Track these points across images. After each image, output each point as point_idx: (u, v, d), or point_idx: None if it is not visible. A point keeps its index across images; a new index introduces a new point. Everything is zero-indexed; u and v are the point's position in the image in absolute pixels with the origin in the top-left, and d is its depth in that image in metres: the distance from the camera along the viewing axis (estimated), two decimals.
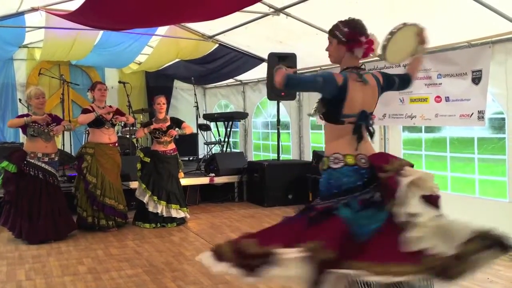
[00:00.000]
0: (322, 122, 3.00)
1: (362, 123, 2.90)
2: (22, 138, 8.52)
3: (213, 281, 4.27)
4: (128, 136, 8.46)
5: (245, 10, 6.25)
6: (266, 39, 7.48)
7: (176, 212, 6.48)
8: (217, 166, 8.13)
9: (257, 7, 6.03)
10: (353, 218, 2.68)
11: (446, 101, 5.81)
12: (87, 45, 8.34)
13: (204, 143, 10.04)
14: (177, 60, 9.43)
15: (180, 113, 10.37)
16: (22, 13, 6.78)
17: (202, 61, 9.09)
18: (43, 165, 5.68)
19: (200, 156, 9.85)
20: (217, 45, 8.37)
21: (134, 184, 6.99)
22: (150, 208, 6.37)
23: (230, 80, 10.58)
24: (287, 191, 7.87)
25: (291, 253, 2.49)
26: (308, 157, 8.47)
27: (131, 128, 8.28)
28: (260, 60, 8.54)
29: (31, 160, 5.63)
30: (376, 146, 7.12)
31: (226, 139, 9.47)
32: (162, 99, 6.58)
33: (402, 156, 6.80)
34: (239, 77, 10.15)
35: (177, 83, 11.63)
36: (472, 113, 5.47)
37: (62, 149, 8.39)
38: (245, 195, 8.37)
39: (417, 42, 3.30)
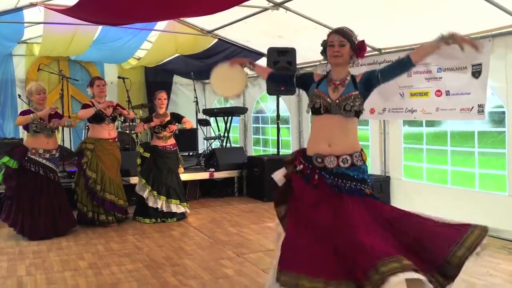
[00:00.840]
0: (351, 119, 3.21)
1: None
2: (22, 133, 8.54)
3: (213, 275, 4.28)
4: (127, 131, 8.46)
5: (244, 5, 6.22)
6: (265, 33, 7.47)
7: (176, 207, 6.49)
8: (217, 161, 8.13)
9: (256, 1, 6.02)
10: None
11: (447, 95, 5.80)
12: (86, 40, 8.32)
13: (204, 138, 10.04)
14: (176, 55, 9.41)
15: (180, 108, 10.35)
16: (21, 9, 6.77)
17: (202, 56, 9.06)
18: (43, 161, 5.68)
19: (200, 151, 9.85)
20: (216, 40, 8.35)
21: (134, 180, 6.99)
22: (150, 203, 6.38)
23: None
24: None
25: None
26: None
27: (130, 123, 8.27)
28: (259, 54, 8.52)
29: (32, 156, 5.62)
30: (376, 140, 7.15)
31: (226, 134, 9.47)
32: (163, 95, 6.58)
33: (402, 150, 6.81)
34: None
35: (177, 78, 11.61)
36: (472, 107, 5.47)
37: (62, 144, 8.39)
38: (245, 190, 8.38)
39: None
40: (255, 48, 8.41)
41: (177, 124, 6.57)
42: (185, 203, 6.62)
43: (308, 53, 7.85)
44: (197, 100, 8.63)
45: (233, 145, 10.08)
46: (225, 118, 9.46)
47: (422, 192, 6.43)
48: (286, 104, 9.16)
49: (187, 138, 9.48)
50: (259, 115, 10.42)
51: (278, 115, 8.26)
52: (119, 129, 8.28)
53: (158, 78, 11.16)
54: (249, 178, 8.25)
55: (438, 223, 3.05)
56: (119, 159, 6.39)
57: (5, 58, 9.65)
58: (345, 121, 3.16)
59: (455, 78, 5.67)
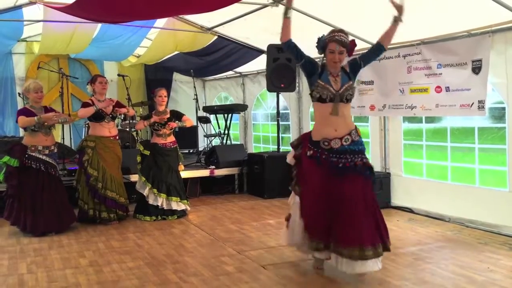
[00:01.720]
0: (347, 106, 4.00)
1: None
2: (22, 132, 8.52)
3: (213, 272, 4.29)
4: (127, 129, 8.46)
5: (244, 2, 6.23)
6: (265, 30, 7.45)
7: (177, 205, 6.50)
8: (217, 158, 8.14)
9: None
10: None
11: (447, 91, 5.80)
12: (86, 38, 8.31)
13: (204, 136, 10.04)
14: (176, 52, 9.40)
15: (180, 105, 10.35)
16: (20, 7, 6.76)
17: (201, 53, 9.06)
18: (44, 157, 5.70)
19: (200, 149, 9.85)
20: (216, 37, 8.34)
21: (134, 177, 6.99)
22: (150, 201, 6.39)
23: (230, 72, 10.55)
24: (287, 183, 7.81)
25: None
26: None
27: (130, 121, 8.27)
28: (259, 51, 8.52)
29: (32, 153, 5.64)
30: (376, 137, 7.14)
31: (226, 132, 9.47)
32: (163, 92, 6.58)
33: (402, 146, 6.81)
34: (239, 69, 10.13)
35: (177, 76, 11.61)
36: (473, 103, 5.46)
37: (62, 142, 8.39)
38: (245, 187, 8.39)
39: None
40: (255, 45, 8.40)
41: (177, 122, 6.57)
42: (185, 201, 6.62)
43: (307, 50, 7.84)
44: (197, 97, 8.62)
45: (233, 142, 10.08)
46: (225, 115, 9.46)
47: (422, 188, 6.43)
48: (286, 101, 9.16)
49: (187, 136, 9.49)
50: (259, 112, 10.43)
51: (278, 112, 8.26)
52: (119, 127, 8.27)
53: (158, 76, 11.16)
54: (250, 175, 8.25)
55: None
56: (120, 156, 6.40)
57: (4, 57, 9.65)
58: (344, 107, 3.92)
59: (455, 74, 5.66)
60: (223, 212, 6.87)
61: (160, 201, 6.39)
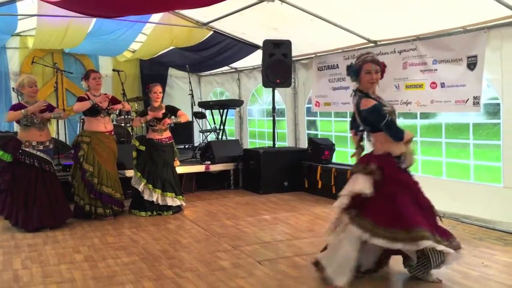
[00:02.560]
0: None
1: None
2: (17, 127, 8.47)
3: (209, 268, 4.29)
4: (123, 124, 8.43)
5: None
6: (261, 26, 7.44)
7: (172, 200, 6.48)
8: (212, 154, 8.13)
9: None
10: None
11: (442, 87, 5.81)
12: (80, 33, 8.27)
13: (200, 131, 10.02)
14: (171, 47, 9.37)
15: (175, 101, 10.33)
16: (14, 1, 6.72)
17: (197, 48, 9.03)
18: (38, 153, 5.66)
19: (196, 144, 9.84)
20: (211, 32, 8.32)
21: (129, 173, 6.97)
22: (146, 196, 6.37)
23: (225, 68, 10.54)
24: (283, 178, 7.88)
25: None
26: (304, 144, 8.47)
27: (126, 116, 8.24)
28: (255, 47, 8.50)
29: (25, 149, 5.61)
30: None
31: (222, 127, 9.46)
32: (158, 88, 6.54)
33: None
34: (234, 65, 10.11)
35: (172, 71, 11.58)
36: (468, 99, 5.48)
37: (56, 137, 8.36)
38: (241, 183, 8.38)
39: None
40: (251, 40, 8.39)
41: (172, 117, 6.55)
42: (180, 196, 6.61)
43: (304, 45, 7.84)
44: (192, 93, 8.60)
45: (228, 137, 10.07)
46: (221, 110, 9.44)
47: None
48: (282, 97, 9.15)
49: (182, 131, 9.47)
50: (255, 107, 10.41)
51: (273, 108, 8.25)
52: (114, 122, 8.24)
53: (153, 71, 11.12)
54: (245, 171, 8.25)
55: None
56: (115, 152, 6.37)
57: None
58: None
59: (450, 70, 5.68)
60: (218, 208, 6.86)
61: (155, 196, 6.38)
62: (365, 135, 4.16)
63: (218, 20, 7.71)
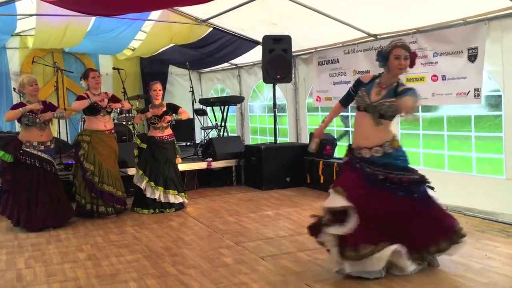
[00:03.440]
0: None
1: None
2: (18, 127, 8.49)
3: (212, 264, 4.29)
4: (124, 122, 8.43)
5: None
6: (261, 21, 7.42)
7: (174, 198, 6.49)
8: (214, 150, 8.12)
9: None
10: None
11: (443, 79, 5.79)
12: (80, 32, 8.26)
13: (201, 128, 10.02)
14: (171, 45, 9.36)
15: (176, 98, 10.32)
16: (13, 1, 6.70)
17: (197, 45, 9.01)
18: (39, 153, 5.67)
19: (197, 141, 9.82)
20: (211, 29, 8.30)
21: (132, 171, 6.98)
22: (148, 194, 6.38)
23: (226, 64, 10.52)
24: (285, 174, 7.88)
25: None
26: (305, 139, 8.46)
27: (127, 114, 8.24)
28: (255, 43, 8.48)
29: (26, 149, 5.62)
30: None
31: (223, 124, 9.45)
32: (158, 86, 6.54)
33: (399, 136, 6.80)
34: (234, 61, 10.09)
35: (172, 69, 11.56)
36: (469, 91, 5.46)
37: (58, 137, 8.36)
38: (243, 179, 8.38)
39: None
40: (250, 36, 8.37)
41: (173, 115, 6.54)
42: (183, 194, 6.62)
43: (304, 40, 7.82)
44: (193, 90, 8.59)
45: (230, 134, 10.07)
46: (222, 107, 9.44)
47: None
48: (283, 92, 9.14)
49: (184, 128, 9.45)
50: (256, 103, 10.40)
51: (274, 104, 8.24)
52: (116, 121, 8.25)
53: (153, 69, 11.11)
54: (247, 167, 8.24)
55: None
56: (116, 150, 6.38)
57: None
58: (378, 120, 3.83)
59: (451, 62, 5.66)
60: (221, 204, 6.87)
61: (157, 194, 6.39)
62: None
63: (217, 17, 7.70)
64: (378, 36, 6.69)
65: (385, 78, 3.88)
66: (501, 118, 5.35)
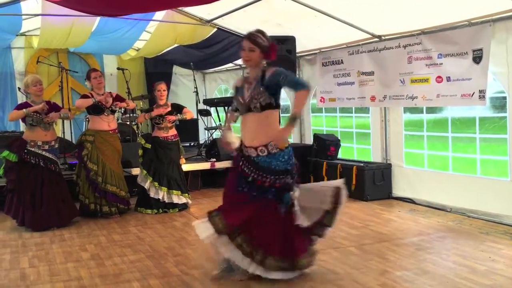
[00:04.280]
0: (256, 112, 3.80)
1: None
2: (23, 127, 8.52)
3: (215, 264, 4.28)
4: (128, 122, 8.44)
5: None
6: (265, 22, 7.39)
7: (178, 198, 6.50)
8: (218, 151, 8.11)
9: None
10: None
11: (447, 81, 5.77)
12: (84, 32, 8.28)
13: (205, 129, 10.02)
14: (175, 45, 9.36)
15: (180, 99, 10.31)
16: (18, 1, 6.72)
17: (201, 45, 9.02)
18: (43, 153, 5.69)
19: (201, 142, 9.84)
20: (215, 29, 8.30)
21: (135, 171, 6.99)
22: (152, 194, 6.39)
23: (230, 65, 10.52)
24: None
25: None
26: (309, 140, 8.45)
27: (131, 114, 8.25)
28: None
29: (31, 149, 5.64)
30: (377, 128, 7.12)
31: None
32: (162, 86, 6.56)
33: (403, 137, 6.80)
34: (239, 61, 10.08)
35: (176, 69, 11.56)
36: (473, 93, 5.44)
37: (62, 137, 8.39)
38: None
39: None
40: None
41: (178, 114, 6.56)
42: (186, 194, 6.62)
43: (308, 41, 7.81)
44: (197, 90, 8.59)
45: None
46: (226, 108, 9.43)
47: (423, 179, 6.42)
48: (287, 93, 9.12)
49: (188, 129, 9.47)
50: None
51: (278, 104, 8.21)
52: (120, 121, 8.26)
53: (157, 69, 11.12)
54: None
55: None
56: (119, 150, 6.39)
57: (4, 51, 9.61)
58: (258, 116, 3.77)
59: (456, 63, 5.64)
60: None
61: (161, 194, 6.39)
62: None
63: (222, 17, 7.70)
64: (383, 37, 6.67)
65: (250, 74, 3.87)
66: (506, 120, 5.32)
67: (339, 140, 7.78)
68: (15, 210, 5.68)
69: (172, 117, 6.50)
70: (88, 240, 5.23)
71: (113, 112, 6.32)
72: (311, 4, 6.27)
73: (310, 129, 8.67)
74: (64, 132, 8.74)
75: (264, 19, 7.26)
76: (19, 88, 8.97)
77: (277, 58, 7.73)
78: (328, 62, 7.83)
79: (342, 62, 7.48)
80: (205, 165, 8.02)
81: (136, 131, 8.89)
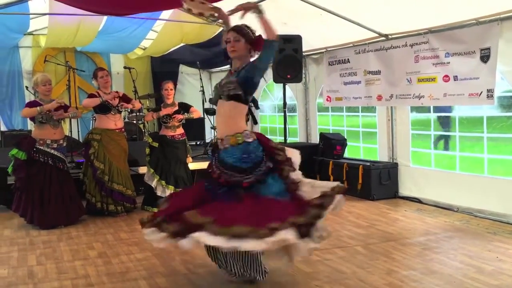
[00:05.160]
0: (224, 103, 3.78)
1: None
2: (30, 125, 8.57)
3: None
4: (134, 121, 8.47)
5: None
6: (270, 20, 7.40)
7: None
8: None
9: None
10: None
11: (455, 80, 5.74)
12: (92, 31, 8.32)
13: (211, 128, 10.04)
14: (182, 44, 9.38)
15: (186, 98, 10.31)
16: (26, 0, 6.75)
17: (207, 44, 9.03)
18: (52, 151, 5.72)
19: (207, 141, 9.86)
20: (221, 28, 8.29)
21: (142, 169, 7.01)
22: (159, 193, 6.40)
23: None
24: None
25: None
26: (315, 139, 8.45)
27: (137, 113, 8.27)
28: None
29: (40, 147, 5.67)
30: (384, 127, 7.11)
31: None
32: (169, 85, 6.57)
33: (410, 136, 6.78)
34: None
35: (183, 68, 11.59)
36: (481, 92, 5.41)
37: (70, 135, 8.43)
38: None
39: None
40: None
41: (185, 114, 6.57)
42: None
43: (314, 40, 7.80)
44: (203, 89, 8.62)
45: None
46: None
47: (430, 178, 6.40)
48: (293, 92, 9.12)
49: (194, 128, 9.49)
50: (266, 103, 10.40)
51: (284, 103, 8.22)
52: (126, 120, 8.29)
53: (164, 68, 11.15)
54: None
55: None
56: (126, 149, 6.41)
57: (11, 50, 9.68)
58: (225, 106, 3.76)
59: (463, 62, 5.61)
60: None
61: (168, 193, 6.38)
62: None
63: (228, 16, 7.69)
64: (389, 36, 6.65)
65: (234, 65, 3.88)
66: None
67: (345, 139, 7.77)
68: (23, 208, 5.71)
69: (180, 116, 6.51)
70: (95, 238, 5.25)
71: (119, 111, 6.35)
72: (317, 3, 6.25)
73: (316, 128, 8.66)
74: (71, 131, 8.79)
75: (270, 18, 7.25)
76: (26, 87, 9.04)
77: (283, 57, 7.82)
78: (335, 61, 7.81)
79: (349, 61, 7.46)
80: None
81: (143, 130, 8.92)
